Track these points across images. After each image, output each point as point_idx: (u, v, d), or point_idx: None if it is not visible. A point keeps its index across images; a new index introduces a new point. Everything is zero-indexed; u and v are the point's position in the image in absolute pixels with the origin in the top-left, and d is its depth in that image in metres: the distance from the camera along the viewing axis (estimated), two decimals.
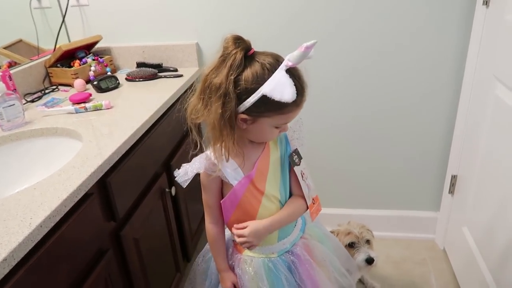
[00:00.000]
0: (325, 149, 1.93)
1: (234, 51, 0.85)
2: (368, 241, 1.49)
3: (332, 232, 1.52)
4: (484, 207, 1.49)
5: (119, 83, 1.64)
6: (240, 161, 1.00)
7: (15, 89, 1.41)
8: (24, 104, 1.49)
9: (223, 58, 0.87)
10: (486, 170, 1.48)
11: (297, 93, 0.86)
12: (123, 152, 1.15)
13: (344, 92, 1.80)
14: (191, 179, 0.99)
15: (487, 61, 1.45)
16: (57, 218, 0.87)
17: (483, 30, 1.47)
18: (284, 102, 0.84)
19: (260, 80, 0.86)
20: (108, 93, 1.58)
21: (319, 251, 1.14)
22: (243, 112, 0.89)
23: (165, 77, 1.71)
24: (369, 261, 1.43)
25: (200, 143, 0.96)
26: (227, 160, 0.97)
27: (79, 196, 0.95)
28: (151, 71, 1.70)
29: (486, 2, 1.41)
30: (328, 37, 1.70)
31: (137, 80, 1.70)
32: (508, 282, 1.27)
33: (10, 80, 1.39)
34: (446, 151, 1.82)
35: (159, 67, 1.76)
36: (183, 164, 1.01)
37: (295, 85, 0.85)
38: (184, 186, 1.00)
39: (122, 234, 1.19)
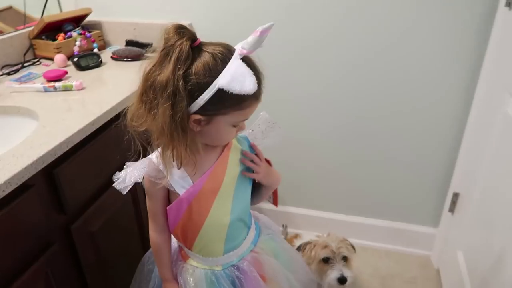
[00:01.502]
0: (323, 150, 1.80)
1: (179, 42, 0.74)
2: (345, 258, 1.38)
3: (308, 243, 1.42)
4: (481, 234, 1.34)
5: (101, 61, 1.54)
6: (191, 169, 0.89)
7: None
8: None
9: (166, 52, 0.75)
10: (487, 193, 1.32)
11: None
12: (76, 141, 1.07)
13: (347, 97, 1.65)
14: (130, 186, 0.89)
15: (502, 73, 1.27)
16: None
17: (503, 36, 1.28)
18: (242, 96, 0.74)
19: (214, 72, 0.75)
20: (87, 71, 1.49)
21: (270, 266, 1.04)
22: (195, 112, 0.78)
23: None
24: (342, 280, 1.32)
25: (145, 154, 0.86)
26: (179, 168, 0.87)
27: (7, 191, 0.87)
28: (138, 51, 1.60)
29: (510, 3, 1.22)
30: (333, 32, 1.54)
31: (123, 59, 1.60)
32: None
33: None
34: (450, 166, 1.65)
35: (149, 47, 1.66)
36: (125, 166, 0.91)
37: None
38: (124, 193, 0.90)
39: (73, 228, 1.12)
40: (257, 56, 0.81)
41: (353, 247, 1.46)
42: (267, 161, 1.00)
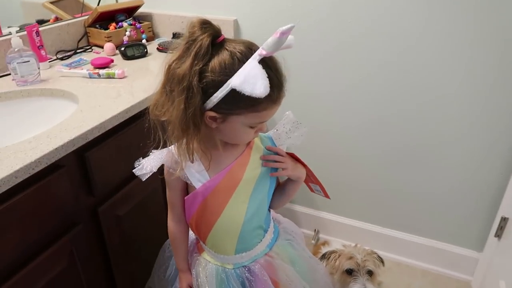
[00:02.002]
0: (364, 158, 1.72)
1: (201, 37, 0.73)
2: (370, 272, 1.31)
3: (333, 251, 1.37)
4: None
5: (146, 52, 1.59)
6: (207, 164, 0.89)
7: (41, 45, 1.43)
8: (52, 61, 1.51)
9: (188, 46, 0.75)
10: None
11: (273, 88, 0.73)
12: (108, 127, 1.11)
13: (395, 106, 1.56)
14: (149, 174, 0.91)
15: None
16: (3, 189, 0.85)
17: None
18: (257, 98, 0.71)
19: (229, 71, 0.73)
20: (133, 61, 1.55)
21: (284, 272, 1.01)
22: (211, 109, 0.77)
23: None
24: None
25: (165, 142, 0.87)
26: (192, 162, 0.87)
27: (37, 169, 0.92)
28: None
29: None
30: (376, 28, 1.47)
31: (167, 51, 1.63)
32: None
33: (38, 36, 1.41)
34: (501, 189, 1.51)
35: None
36: (148, 154, 0.93)
37: (271, 78, 0.72)
38: (143, 180, 0.92)
39: (100, 210, 1.17)
40: (282, 57, 0.78)
41: (382, 261, 1.39)
42: (291, 155, 0.97)
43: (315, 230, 1.92)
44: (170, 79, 0.78)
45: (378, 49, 1.49)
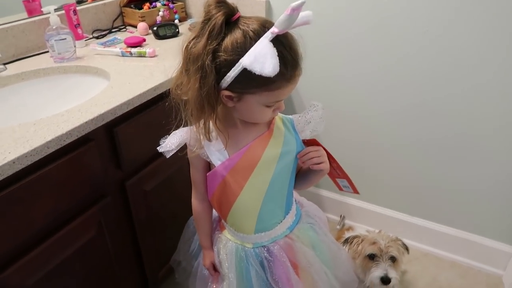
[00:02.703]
0: (394, 144, 1.67)
1: (215, 16, 0.73)
2: (392, 258, 1.29)
3: (356, 236, 1.35)
4: None
5: (178, 32, 1.61)
6: (228, 143, 0.90)
7: (78, 24, 1.48)
8: (88, 39, 1.56)
9: (203, 25, 0.75)
10: None
11: (286, 66, 0.73)
12: (136, 104, 1.14)
13: (433, 96, 1.49)
14: (173, 151, 0.93)
15: None
16: (36, 158, 0.90)
17: None
18: (269, 77, 0.70)
19: (241, 50, 0.73)
20: (164, 40, 1.57)
21: (304, 256, 1.01)
22: (226, 88, 0.78)
23: None
24: (385, 280, 1.24)
25: (187, 121, 0.88)
26: (209, 140, 0.88)
27: (68, 141, 0.96)
28: None
29: None
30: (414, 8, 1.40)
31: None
32: None
33: (75, 14, 1.46)
34: None
35: None
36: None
37: (284, 56, 0.72)
38: (167, 157, 0.94)
39: (127, 184, 1.21)
40: (299, 35, 0.77)
41: (407, 249, 1.36)
42: (313, 142, 0.95)
43: (340, 216, 1.91)
44: (187, 58, 0.78)
45: (417, 26, 1.42)
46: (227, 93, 0.78)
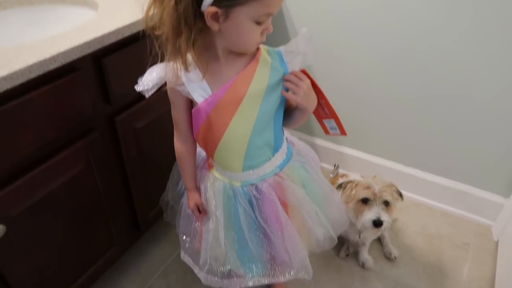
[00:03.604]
0: (391, 93, 1.62)
1: None
2: (386, 203, 1.28)
3: (350, 181, 1.34)
4: None
5: None
6: (209, 77, 0.84)
7: None
8: None
9: None
10: None
11: None
12: (126, 34, 1.07)
13: (430, 44, 1.42)
14: (152, 89, 0.88)
15: None
16: (17, 82, 0.85)
17: None
18: None
19: None
20: None
21: (293, 194, 1.00)
22: (212, 4, 0.71)
23: None
24: (377, 223, 1.24)
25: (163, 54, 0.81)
26: (186, 69, 0.82)
27: (52, 67, 0.91)
28: None
29: None
30: None
31: None
32: None
33: None
34: None
35: None
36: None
37: None
38: (147, 96, 0.89)
39: (117, 120, 1.17)
40: None
41: (401, 195, 1.35)
42: (304, 73, 0.88)
43: (335, 165, 1.90)
44: None
45: None
46: (212, 9, 0.71)
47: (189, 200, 1.05)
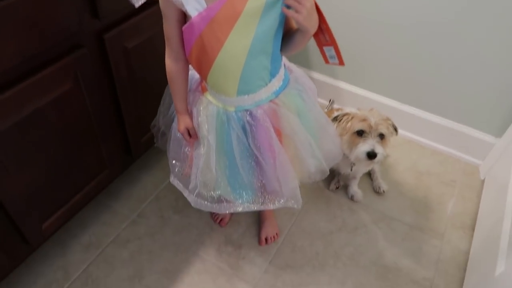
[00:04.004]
0: (392, 29, 1.56)
1: None
2: (381, 135, 1.27)
3: (346, 114, 1.32)
4: None
5: None
6: None
7: None
8: None
9: None
10: None
11: None
12: None
13: None
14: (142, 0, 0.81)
15: None
16: None
17: None
18: None
19: None
20: None
21: (288, 123, 0.97)
22: None
23: None
24: (371, 155, 1.24)
25: None
26: None
27: None
28: None
29: None
30: None
31: None
32: None
33: None
34: None
35: None
36: None
37: None
38: (136, 6, 0.82)
39: (106, 37, 1.10)
40: None
41: (396, 130, 1.34)
42: None
43: (330, 100, 1.87)
44: None
45: None
46: None
47: (179, 124, 1.02)
